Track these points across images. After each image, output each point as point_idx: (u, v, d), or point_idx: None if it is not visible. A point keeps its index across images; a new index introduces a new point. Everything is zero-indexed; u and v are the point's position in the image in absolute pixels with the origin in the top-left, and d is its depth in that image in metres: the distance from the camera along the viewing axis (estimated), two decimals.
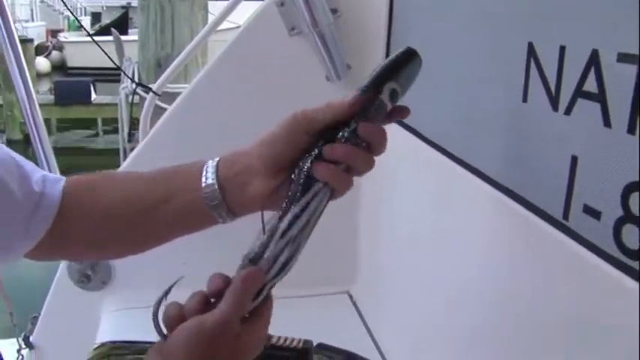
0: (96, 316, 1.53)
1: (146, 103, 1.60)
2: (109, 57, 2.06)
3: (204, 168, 0.74)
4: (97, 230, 0.79)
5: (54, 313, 1.60)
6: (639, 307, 0.59)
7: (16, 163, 0.76)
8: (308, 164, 0.68)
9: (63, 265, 1.55)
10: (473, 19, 0.95)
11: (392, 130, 1.25)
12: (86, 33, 16.28)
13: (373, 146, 0.68)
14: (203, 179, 0.74)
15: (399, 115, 0.72)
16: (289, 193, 0.68)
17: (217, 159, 0.75)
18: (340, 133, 0.67)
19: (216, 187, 0.73)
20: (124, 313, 1.51)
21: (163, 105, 2.92)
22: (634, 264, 0.62)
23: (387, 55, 1.27)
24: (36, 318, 1.64)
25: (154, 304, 0.67)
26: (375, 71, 0.69)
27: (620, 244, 0.65)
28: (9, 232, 0.75)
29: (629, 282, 0.62)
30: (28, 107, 1.43)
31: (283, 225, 0.67)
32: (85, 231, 0.80)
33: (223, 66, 1.40)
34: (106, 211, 0.78)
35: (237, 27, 1.51)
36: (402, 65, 0.69)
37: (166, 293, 0.68)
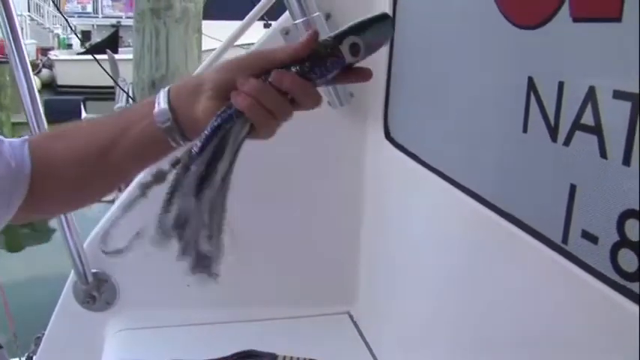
0: (100, 337, 1.55)
1: None
2: (113, 79, 2.09)
3: (157, 96, 0.77)
4: (66, 180, 0.81)
5: (58, 334, 1.62)
6: (639, 327, 0.64)
7: None
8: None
9: (68, 285, 1.58)
10: (475, 52, 1.00)
11: (394, 154, 1.30)
12: (76, 52, 16.31)
13: (294, 96, 0.70)
14: (156, 105, 0.76)
15: (358, 74, 0.73)
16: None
17: (168, 88, 0.77)
18: (292, 69, 0.70)
19: (168, 109, 0.75)
20: (128, 333, 1.53)
21: None
22: (631, 285, 0.67)
23: (388, 83, 1.32)
24: (39, 338, 1.66)
25: None
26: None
27: (617, 267, 0.69)
28: None
29: (627, 303, 0.67)
30: (35, 124, 1.46)
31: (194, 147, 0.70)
32: (56, 184, 0.82)
33: None
34: (71, 158, 0.81)
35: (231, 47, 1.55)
36: (368, 24, 0.72)
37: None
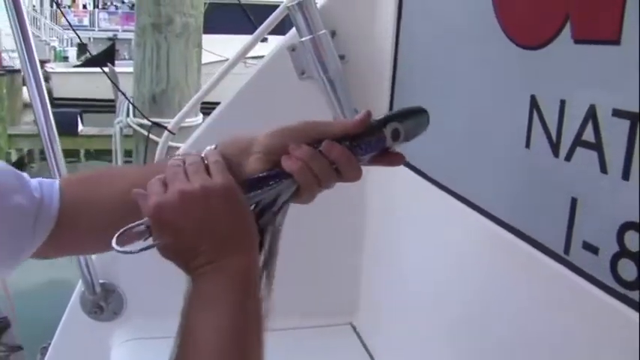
0: (107, 347, 1.57)
1: (161, 141, 1.67)
2: (121, 92, 2.12)
3: (203, 152, 0.77)
4: (98, 221, 0.81)
5: (64, 344, 1.63)
6: (639, 333, 0.67)
7: (15, 174, 0.81)
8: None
9: (75, 295, 1.60)
10: (479, 71, 1.04)
11: (398, 168, 1.34)
12: (72, 65, 16.32)
13: (339, 167, 0.73)
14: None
15: (394, 157, 0.78)
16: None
17: (215, 145, 0.77)
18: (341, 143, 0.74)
19: None
20: (134, 343, 1.55)
21: (158, 139, 2.95)
22: (631, 294, 0.70)
23: (392, 100, 1.36)
24: (46, 348, 1.67)
25: None
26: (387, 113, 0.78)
27: (616, 276, 0.73)
28: (19, 240, 0.79)
29: (627, 310, 0.71)
30: (47, 137, 1.47)
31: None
32: (87, 223, 0.82)
33: (237, 105, 1.48)
34: (106, 201, 0.81)
35: (227, 60, 1.59)
36: (409, 114, 0.79)
37: None
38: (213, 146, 0.78)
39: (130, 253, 0.68)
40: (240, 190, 0.70)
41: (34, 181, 0.82)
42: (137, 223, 0.68)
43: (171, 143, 1.70)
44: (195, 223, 0.67)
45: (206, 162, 0.73)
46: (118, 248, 0.68)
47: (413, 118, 0.79)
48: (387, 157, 0.78)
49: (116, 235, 0.68)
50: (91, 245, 0.90)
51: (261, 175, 0.72)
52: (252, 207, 0.72)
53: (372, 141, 0.75)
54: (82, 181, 0.87)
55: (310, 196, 0.74)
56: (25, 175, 0.83)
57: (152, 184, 0.70)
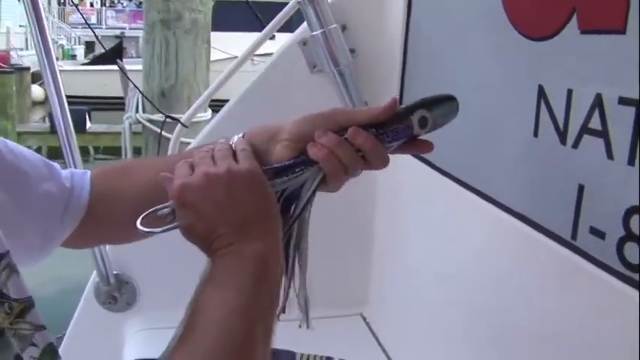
0: (120, 337, 1.60)
1: (174, 135, 1.70)
2: (135, 86, 2.14)
3: (231, 138, 0.78)
4: (128, 211, 0.79)
5: (79, 334, 1.67)
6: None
7: (46, 164, 0.83)
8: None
9: (89, 286, 1.63)
10: (488, 62, 1.06)
11: (407, 159, 1.36)
12: (80, 63, 16.38)
13: (365, 154, 0.73)
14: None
15: (422, 145, 0.78)
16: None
17: (243, 133, 0.78)
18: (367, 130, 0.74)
19: None
20: (148, 333, 1.58)
21: (168, 135, 2.97)
22: (636, 276, 0.73)
23: (401, 93, 1.38)
24: (60, 338, 1.70)
25: None
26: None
27: (623, 259, 0.75)
28: (49, 227, 0.81)
29: (633, 292, 0.73)
30: (64, 133, 1.50)
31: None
32: (116, 213, 0.84)
33: (249, 99, 1.51)
34: (136, 191, 0.82)
35: (234, 57, 1.61)
36: (438, 101, 0.78)
37: None
38: (240, 134, 0.79)
39: (153, 233, 0.69)
40: (265, 176, 0.71)
41: (66, 172, 0.85)
42: (162, 205, 0.70)
43: (182, 139, 1.73)
44: (218, 205, 0.68)
45: (234, 149, 0.74)
46: (142, 229, 0.69)
47: (441, 106, 0.78)
48: (415, 145, 0.78)
49: (141, 216, 0.70)
50: (119, 235, 0.91)
51: (287, 162, 0.73)
52: (278, 194, 0.73)
53: (399, 128, 0.74)
54: (113, 171, 0.88)
55: (337, 184, 0.74)
56: (55, 164, 0.85)
57: (179, 166, 0.72)
